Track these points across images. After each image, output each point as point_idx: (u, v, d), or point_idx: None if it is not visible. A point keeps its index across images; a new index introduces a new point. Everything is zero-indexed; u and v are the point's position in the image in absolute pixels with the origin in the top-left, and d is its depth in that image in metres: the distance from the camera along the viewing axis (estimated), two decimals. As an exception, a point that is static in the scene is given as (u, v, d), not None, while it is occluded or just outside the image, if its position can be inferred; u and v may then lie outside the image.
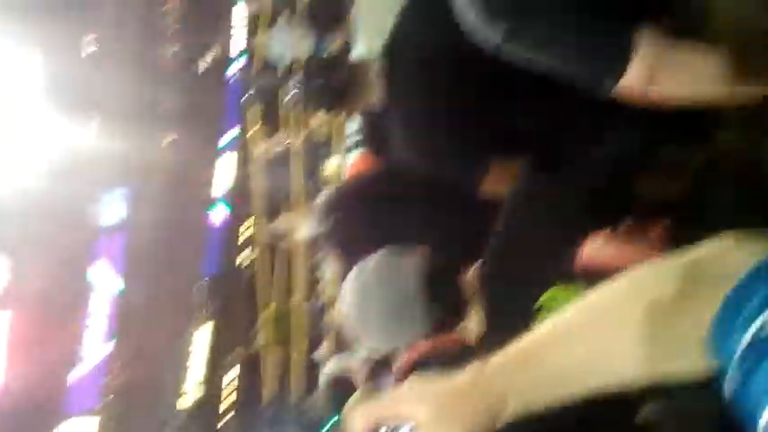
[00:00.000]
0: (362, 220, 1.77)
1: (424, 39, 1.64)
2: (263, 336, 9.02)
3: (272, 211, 8.47)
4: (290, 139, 7.44)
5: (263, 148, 7.53)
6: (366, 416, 0.78)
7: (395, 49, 1.69)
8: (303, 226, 7.74)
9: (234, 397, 18.14)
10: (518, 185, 1.51)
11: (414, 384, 0.80)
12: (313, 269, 13.95)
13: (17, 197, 11.79)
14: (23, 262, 12.38)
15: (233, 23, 17.02)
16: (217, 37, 17.73)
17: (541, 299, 1.20)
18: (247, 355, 17.42)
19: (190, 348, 14.83)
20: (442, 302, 1.54)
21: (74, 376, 13.29)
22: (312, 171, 10.80)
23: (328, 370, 5.36)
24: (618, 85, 1.12)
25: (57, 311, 13.21)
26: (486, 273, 1.50)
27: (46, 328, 12.51)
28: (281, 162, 7.86)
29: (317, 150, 8.06)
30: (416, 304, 1.52)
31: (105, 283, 14.36)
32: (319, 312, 10.94)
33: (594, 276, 0.84)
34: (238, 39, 16.72)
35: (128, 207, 14.66)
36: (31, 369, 11.88)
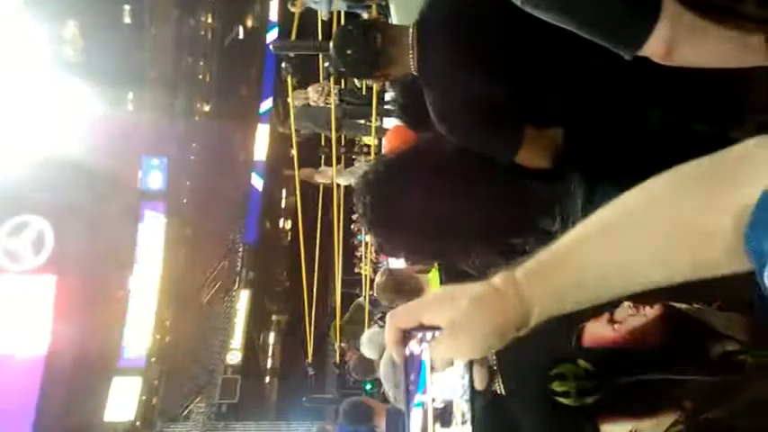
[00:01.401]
0: (397, 199, 1.75)
1: (456, 12, 1.65)
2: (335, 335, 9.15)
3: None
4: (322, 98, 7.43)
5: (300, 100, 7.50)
6: (397, 322, 0.78)
7: (428, 19, 1.71)
8: (342, 177, 7.73)
9: (278, 356, 18.53)
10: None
11: (443, 290, 0.80)
12: (351, 239, 14.10)
13: (59, 165, 12.03)
14: (67, 228, 12.66)
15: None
16: (253, 6, 17.73)
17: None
18: (286, 320, 17.75)
19: (232, 311, 15.12)
20: None
21: (119, 337, 13.67)
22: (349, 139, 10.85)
23: (365, 339, 5.49)
24: (644, 47, 1.08)
25: (100, 276, 13.57)
26: None
27: (90, 292, 12.87)
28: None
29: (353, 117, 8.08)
30: None
31: (147, 248, 14.64)
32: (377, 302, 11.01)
33: None
34: (274, 9, 16.66)
35: (167, 174, 14.88)
36: (77, 331, 12.25)
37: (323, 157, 9.14)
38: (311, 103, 7.41)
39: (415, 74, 1.70)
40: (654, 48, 1.08)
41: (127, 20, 15.28)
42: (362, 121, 7.29)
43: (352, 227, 13.60)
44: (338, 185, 7.73)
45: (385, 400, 3.99)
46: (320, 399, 13.13)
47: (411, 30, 1.70)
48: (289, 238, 19.03)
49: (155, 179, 14.86)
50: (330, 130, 6.92)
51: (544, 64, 1.54)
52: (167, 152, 15.13)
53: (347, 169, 8.04)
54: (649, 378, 1.09)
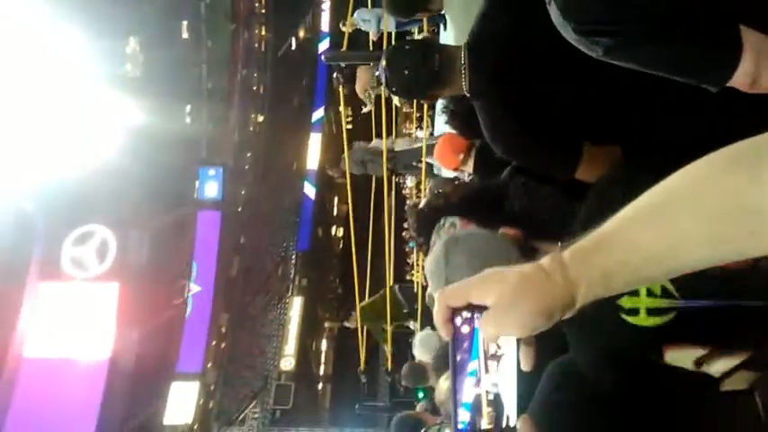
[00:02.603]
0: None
1: (507, 34, 1.63)
2: (356, 315, 9.20)
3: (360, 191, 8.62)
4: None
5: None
6: (447, 300, 0.78)
7: (478, 40, 1.69)
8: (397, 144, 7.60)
9: (330, 363, 18.64)
10: (610, 171, 1.44)
11: (491, 270, 0.79)
12: (404, 246, 14.13)
13: (121, 177, 12.41)
14: (128, 237, 13.03)
15: (321, 4, 17.17)
16: (305, 18, 17.99)
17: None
18: (338, 327, 17.87)
19: (285, 318, 15.31)
20: None
21: (177, 343, 13.98)
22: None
23: (418, 341, 5.51)
24: (730, 80, 1.07)
25: (160, 283, 13.94)
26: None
27: (150, 300, 13.21)
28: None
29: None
30: None
31: (203, 256, 14.96)
32: (409, 291, 11.06)
33: None
34: (325, 20, 16.88)
35: (223, 184, 15.19)
36: (137, 337, 12.59)
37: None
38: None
39: (468, 95, 1.69)
40: (740, 82, 1.08)
41: (185, 35, 15.68)
42: (415, 163, 7.29)
43: (403, 234, 13.65)
44: (389, 194, 7.78)
45: (435, 410, 4.02)
46: (372, 406, 13.16)
47: (463, 51, 1.68)
48: (341, 245, 19.18)
49: (211, 189, 15.19)
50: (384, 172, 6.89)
51: (601, 81, 1.49)
52: (223, 162, 15.46)
53: (398, 140, 7.97)
54: (734, 305, 1.02)
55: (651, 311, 1.05)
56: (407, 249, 14.60)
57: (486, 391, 0.77)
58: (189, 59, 14.72)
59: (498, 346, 0.78)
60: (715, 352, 1.04)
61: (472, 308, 0.77)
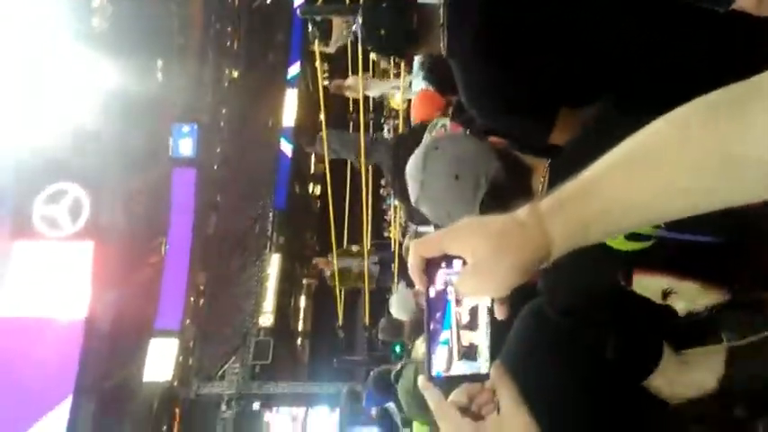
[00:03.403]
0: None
1: None
2: (333, 274, 9.26)
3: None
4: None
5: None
6: (421, 251, 0.76)
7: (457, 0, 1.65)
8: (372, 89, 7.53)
9: (309, 319, 18.80)
10: (601, 110, 1.41)
11: (467, 221, 0.77)
12: (380, 203, 14.16)
13: (93, 134, 12.22)
14: (102, 196, 12.91)
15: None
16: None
17: None
18: (317, 284, 17.97)
19: (263, 276, 15.34)
20: (508, 192, 1.43)
21: (155, 301, 14.00)
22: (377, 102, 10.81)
23: (395, 301, 5.57)
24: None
25: (135, 242, 13.86)
26: (552, 175, 1.41)
27: (126, 258, 13.16)
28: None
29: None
30: (482, 187, 1.43)
31: (179, 214, 14.88)
32: (387, 248, 11.15)
33: None
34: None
35: (198, 141, 15.02)
36: (114, 295, 12.58)
37: (351, 122, 9.14)
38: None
39: (444, 54, 1.66)
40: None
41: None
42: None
43: (381, 191, 13.65)
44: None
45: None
46: (350, 360, 13.35)
47: (442, 9, 1.66)
48: (319, 203, 19.15)
49: (185, 146, 15.01)
50: (359, 161, 6.87)
51: (577, 43, 1.48)
52: (197, 119, 15.25)
53: (375, 80, 7.90)
54: (716, 242, 0.98)
55: (630, 236, 1.03)
56: (385, 207, 14.63)
57: (460, 345, 0.76)
58: (159, 13, 14.35)
59: (472, 309, 0.77)
60: (686, 281, 1.03)
61: (448, 259, 0.76)
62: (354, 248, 9.84)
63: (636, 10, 1.18)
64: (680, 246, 1.03)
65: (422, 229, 5.27)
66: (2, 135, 10.98)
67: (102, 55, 12.63)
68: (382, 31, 1.75)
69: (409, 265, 0.78)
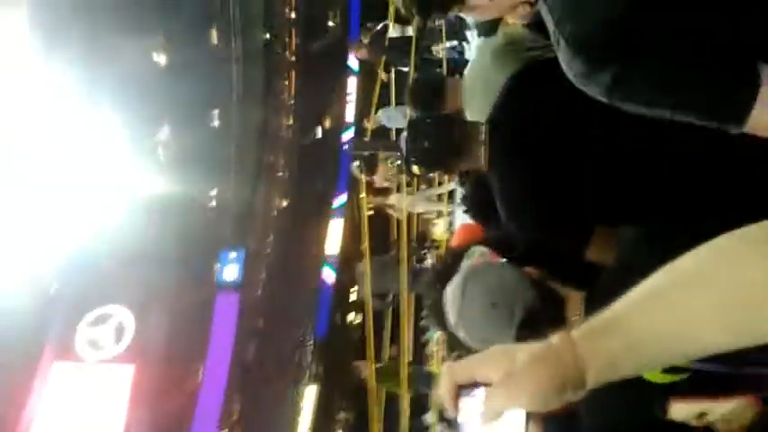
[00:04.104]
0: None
1: (530, 111, 1.67)
2: (370, 394, 9.02)
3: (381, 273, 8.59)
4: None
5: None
6: (453, 376, 0.77)
7: (499, 119, 1.73)
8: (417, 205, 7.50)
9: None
10: (639, 231, 1.45)
11: (500, 348, 0.78)
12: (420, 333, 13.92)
13: (141, 255, 12.53)
14: (146, 318, 13.02)
15: (347, 95, 17.70)
16: (331, 108, 18.51)
17: None
18: (354, 419, 17.41)
19: (300, 405, 14.98)
20: (542, 322, 1.49)
21: (187, 429, 13.69)
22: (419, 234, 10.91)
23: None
24: (747, 122, 1.02)
25: (174, 366, 13.78)
26: (591, 304, 1.44)
27: (163, 383, 13.04)
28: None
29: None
30: (517, 316, 1.49)
31: (218, 340, 14.83)
32: (426, 376, 10.85)
33: None
34: (351, 110, 17.34)
35: (243, 267, 15.22)
36: (149, 420, 12.37)
37: (393, 251, 9.19)
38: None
39: (485, 170, 1.71)
40: (763, 124, 1.02)
41: (215, 123, 16.14)
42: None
43: (421, 322, 13.45)
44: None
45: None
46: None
47: (484, 126, 1.76)
48: (359, 333, 18.96)
49: (231, 271, 15.22)
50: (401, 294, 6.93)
51: (616, 164, 1.53)
52: (245, 245, 15.55)
53: (419, 195, 7.91)
54: (753, 373, 1.02)
55: (667, 369, 1.04)
56: (424, 340, 14.37)
57: None
58: (218, 145, 15.11)
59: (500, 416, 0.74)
60: (718, 402, 1.06)
61: (477, 386, 0.77)
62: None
63: (669, 137, 1.21)
64: (716, 376, 1.04)
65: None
66: (54, 257, 11.33)
67: (162, 182, 13.21)
68: (426, 143, 1.82)
69: (441, 389, 0.79)
